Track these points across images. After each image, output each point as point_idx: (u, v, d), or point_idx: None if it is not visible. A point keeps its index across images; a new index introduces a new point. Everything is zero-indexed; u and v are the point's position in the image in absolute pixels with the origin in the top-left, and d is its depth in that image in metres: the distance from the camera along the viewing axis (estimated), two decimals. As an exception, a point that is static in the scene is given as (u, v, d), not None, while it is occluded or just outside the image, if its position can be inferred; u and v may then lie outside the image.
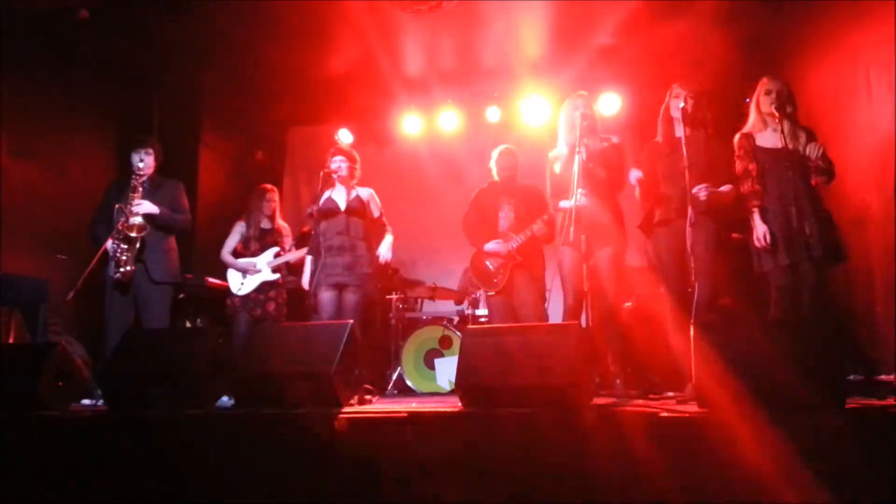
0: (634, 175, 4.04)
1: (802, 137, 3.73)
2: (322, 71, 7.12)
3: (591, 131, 4.24)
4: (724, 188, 3.85)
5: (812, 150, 3.67)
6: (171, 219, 4.63)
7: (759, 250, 3.69)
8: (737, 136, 3.89)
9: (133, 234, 4.40)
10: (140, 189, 4.52)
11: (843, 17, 4.56)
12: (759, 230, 3.68)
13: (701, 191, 3.71)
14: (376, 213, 4.82)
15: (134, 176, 4.54)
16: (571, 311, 4.11)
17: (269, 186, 5.63)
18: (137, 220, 4.43)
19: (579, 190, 3.88)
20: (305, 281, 4.77)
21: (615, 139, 4.35)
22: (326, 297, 4.59)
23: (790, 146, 3.64)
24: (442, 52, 6.88)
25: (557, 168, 4.31)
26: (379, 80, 7.20)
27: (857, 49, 4.38)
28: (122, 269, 4.36)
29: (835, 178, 3.74)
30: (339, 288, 4.60)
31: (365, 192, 4.84)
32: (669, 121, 4.05)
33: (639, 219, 4.22)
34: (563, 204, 4.14)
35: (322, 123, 8.06)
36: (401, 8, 5.86)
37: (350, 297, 4.58)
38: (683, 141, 3.78)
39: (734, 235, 4.05)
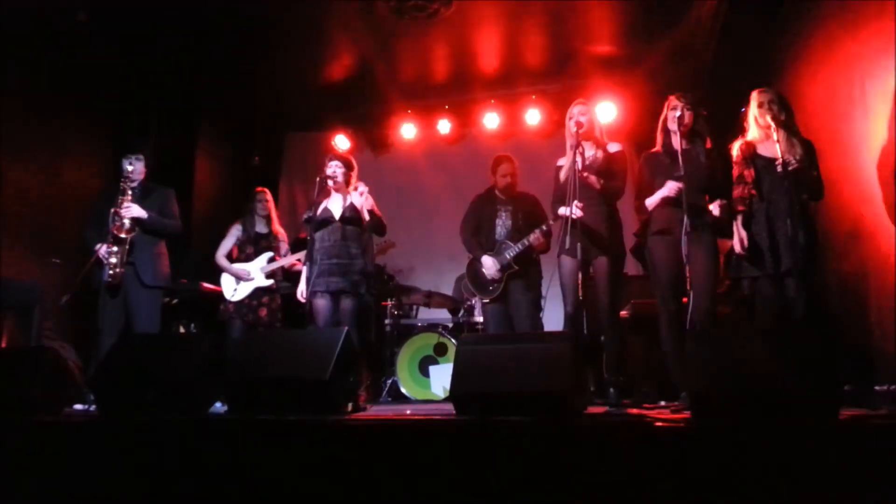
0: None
1: (798, 149, 3.74)
2: (319, 77, 7.14)
3: (588, 139, 4.25)
4: (716, 208, 3.88)
5: (795, 164, 3.68)
6: (160, 223, 4.64)
7: (740, 256, 3.72)
8: (738, 142, 3.90)
9: (122, 236, 4.41)
10: (129, 193, 4.52)
11: (838, 28, 4.58)
12: (738, 236, 3.71)
13: (716, 208, 3.76)
14: (369, 214, 4.72)
15: (123, 180, 4.55)
16: (571, 320, 4.11)
17: (261, 189, 5.64)
18: (126, 223, 4.44)
19: (575, 201, 3.89)
20: (301, 292, 4.69)
21: (616, 147, 4.34)
22: (321, 303, 4.56)
23: (786, 157, 3.65)
24: (439, 59, 6.90)
25: (562, 176, 4.31)
26: (376, 87, 7.22)
27: (852, 60, 4.40)
28: (111, 272, 4.37)
29: (822, 197, 3.77)
30: (335, 294, 4.58)
31: (358, 197, 4.81)
32: (667, 133, 4.06)
33: (629, 229, 4.24)
34: (562, 211, 4.15)
35: (319, 129, 8.08)
36: (398, 15, 5.88)
37: (346, 303, 4.55)
38: (680, 153, 3.79)
39: (723, 242, 4.06)
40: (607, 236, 4.16)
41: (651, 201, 4.03)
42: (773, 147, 3.71)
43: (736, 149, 3.89)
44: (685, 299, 3.74)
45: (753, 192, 3.74)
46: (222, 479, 2.73)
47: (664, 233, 3.93)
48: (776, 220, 3.66)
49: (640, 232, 4.15)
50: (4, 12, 5.12)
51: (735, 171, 3.84)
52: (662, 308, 3.94)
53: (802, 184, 3.68)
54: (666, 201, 3.93)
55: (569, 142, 4.27)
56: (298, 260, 5.32)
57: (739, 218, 3.74)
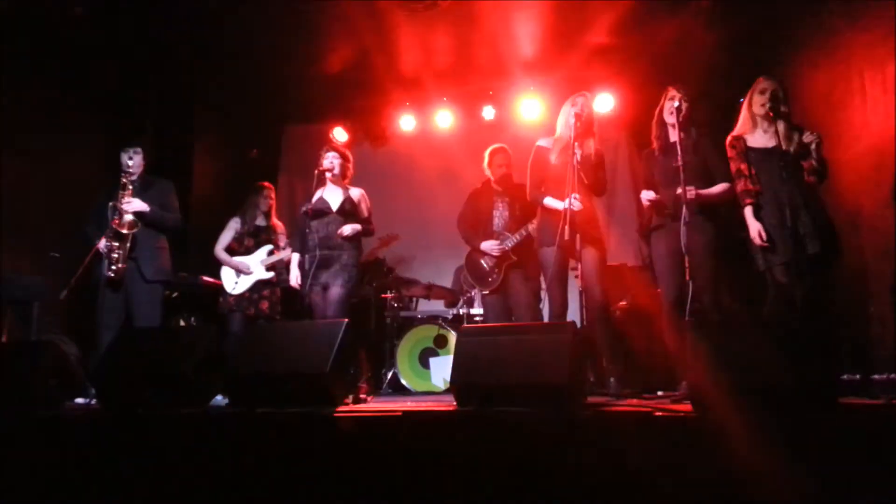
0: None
1: (796, 137, 3.74)
2: (317, 69, 7.12)
3: (586, 133, 4.25)
4: (716, 188, 3.87)
5: (809, 138, 3.66)
6: (161, 217, 4.63)
7: (756, 249, 3.70)
8: (728, 139, 3.90)
9: (124, 232, 4.41)
10: (130, 188, 4.52)
11: (837, 18, 4.57)
12: (753, 228, 3.68)
13: (689, 192, 3.73)
14: (365, 214, 4.80)
15: (123, 174, 4.55)
16: (560, 312, 4.14)
17: (267, 184, 5.63)
18: (128, 217, 4.44)
19: (574, 194, 3.89)
20: (293, 278, 4.73)
21: (596, 145, 4.38)
22: (318, 298, 4.57)
23: (783, 146, 3.65)
24: (437, 51, 6.87)
25: (553, 158, 4.31)
26: (374, 79, 7.20)
27: (852, 50, 4.40)
28: (114, 267, 4.37)
29: (827, 178, 3.75)
30: (326, 286, 4.58)
31: (356, 193, 4.82)
32: (664, 124, 4.06)
33: (627, 221, 4.24)
34: (551, 203, 4.16)
35: (317, 122, 8.06)
36: (396, 6, 5.86)
37: (334, 291, 4.54)
38: (678, 144, 3.79)
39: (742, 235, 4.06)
40: (594, 229, 4.20)
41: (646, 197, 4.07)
42: (766, 137, 3.72)
43: (728, 145, 3.89)
44: (685, 289, 3.75)
45: (751, 186, 3.73)
46: (223, 472, 2.74)
47: (663, 224, 3.94)
48: (782, 209, 3.62)
49: (642, 228, 4.16)
50: (1, 8, 5.10)
51: (732, 167, 3.84)
52: (664, 298, 3.94)
53: (805, 169, 3.67)
54: (664, 195, 3.94)
55: (562, 130, 4.27)
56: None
57: (749, 211, 3.72)
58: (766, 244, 3.63)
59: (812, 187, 3.71)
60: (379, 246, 6.16)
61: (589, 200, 4.22)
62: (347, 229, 4.60)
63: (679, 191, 3.71)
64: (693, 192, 3.73)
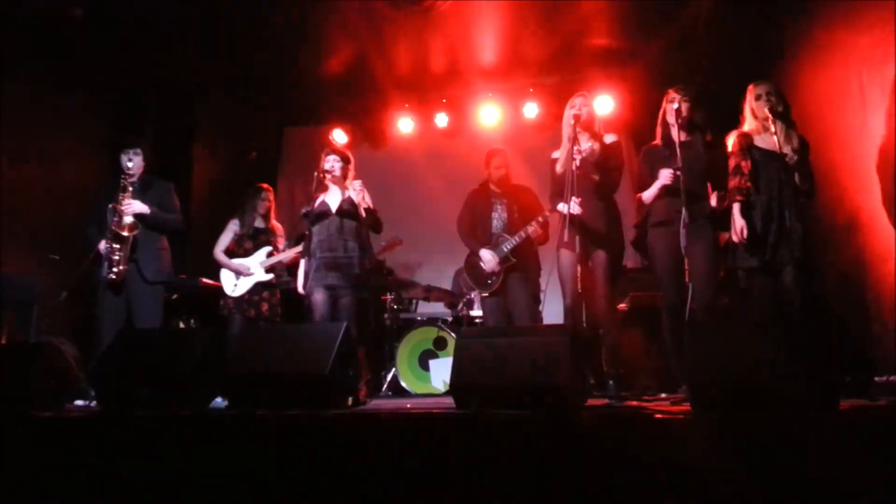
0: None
1: (795, 142, 3.75)
2: (316, 71, 7.13)
3: (586, 131, 4.23)
4: None
5: (790, 151, 3.69)
6: (162, 218, 4.62)
7: (736, 247, 3.71)
8: (734, 134, 3.89)
9: (125, 234, 4.39)
10: (130, 189, 4.49)
11: (836, 20, 4.57)
12: (738, 224, 3.69)
13: (714, 199, 3.79)
14: (368, 205, 4.69)
15: (123, 176, 4.52)
16: (570, 313, 4.11)
17: (265, 186, 5.62)
18: (128, 219, 4.42)
19: (574, 198, 3.88)
20: (300, 284, 4.72)
21: (612, 138, 4.32)
22: (319, 298, 4.54)
23: (784, 149, 3.65)
24: (436, 53, 6.89)
25: (558, 168, 4.30)
26: (373, 81, 7.21)
27: (850, 52, 4.40)
28: (114, 269, 4.35)
29: (814, 197, 3.77)
30: (333, 290, 4.57)
31: (354, 185, 4.72)
32: (667, 126, 4.06)
33: (627, 223, 4.24)
34: (561, 209, 4.14)
35: (316, 124, 8.07)
36: (394, 9, 5.86)
37: (345, 300, 4.54)
38: (678, 146, 3.79)
39: (722, 234, 4.07)
40: (605, 230, 4.15)
41: (648, 194, 4.04)
42: (771, 139, 3.71)
43: (732, 139, 3.88)
44: (685, 290, 3.75)
45: (748, 184, 3.73)
46: (222, 474, 2.74)
47: (663, 224, 3.94)
48: (773, 213, 3.65)
49: (639, 224, 4.15)
50: (1, 10, 5.10)
51: (731, 162, 3.83)
52: (664, 300, 3.94)
53: (800, 178, 3.68)
54: (665, 192, 3.93)
55: (566, 133, 4.26)
56: (298, 252, 5.32)
57: (737, 207, 3.73)
58: (743, 242, 3.64)
59: (804, 200, 3.73)
60: (382, 251, 6.16)
61: (599, 199, 4.18)
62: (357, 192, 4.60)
63: (683, 191, 3.71)
64: (717, 203, 3.80)
